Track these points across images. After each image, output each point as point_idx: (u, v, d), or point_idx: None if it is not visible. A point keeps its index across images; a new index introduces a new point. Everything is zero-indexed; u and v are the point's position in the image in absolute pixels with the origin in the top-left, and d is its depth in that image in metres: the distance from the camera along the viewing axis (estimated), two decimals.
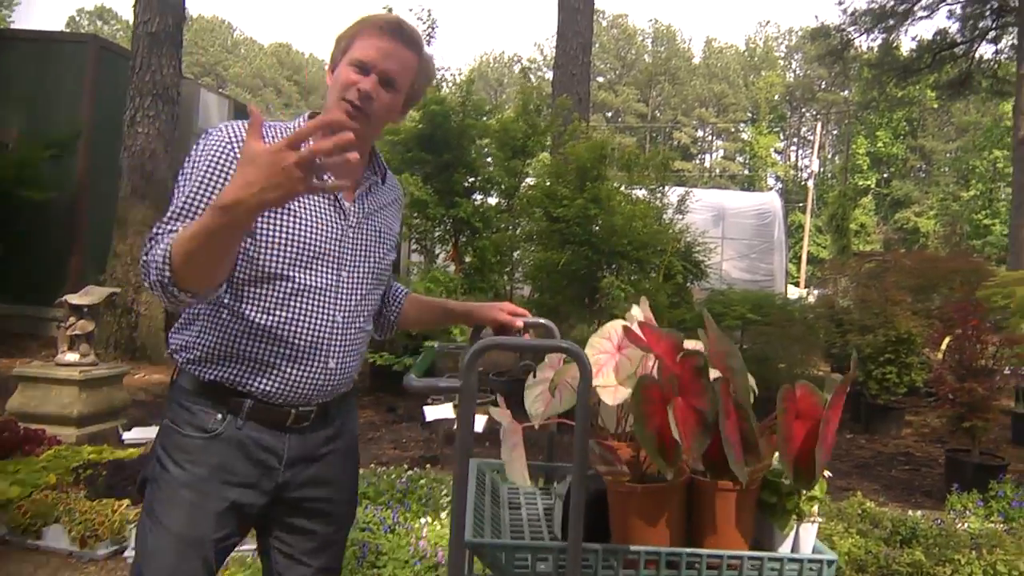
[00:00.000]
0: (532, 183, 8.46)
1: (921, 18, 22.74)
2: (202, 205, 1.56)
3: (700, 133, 57.61)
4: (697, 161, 56.58)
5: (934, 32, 23.33)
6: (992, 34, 22.28)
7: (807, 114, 56.20)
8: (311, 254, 1.66)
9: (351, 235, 1.74)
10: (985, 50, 23.02)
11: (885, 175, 43.76)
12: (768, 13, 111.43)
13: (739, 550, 1.39)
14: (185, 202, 1.57)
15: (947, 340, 6.05)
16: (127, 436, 5.64)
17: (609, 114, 56.51)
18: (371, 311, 1.85)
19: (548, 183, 7.97)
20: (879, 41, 23.78)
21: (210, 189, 1.57)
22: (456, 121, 7.89)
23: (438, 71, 8.25)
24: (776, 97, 55.14)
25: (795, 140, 57.99)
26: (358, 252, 1.75)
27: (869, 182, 42.23)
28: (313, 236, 1.66)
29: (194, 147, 1.65)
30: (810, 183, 31.67)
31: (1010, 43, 21.59)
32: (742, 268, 15.62)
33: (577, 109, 10.53)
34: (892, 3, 22.46)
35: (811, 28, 27.30)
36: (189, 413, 1.66)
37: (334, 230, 1.69)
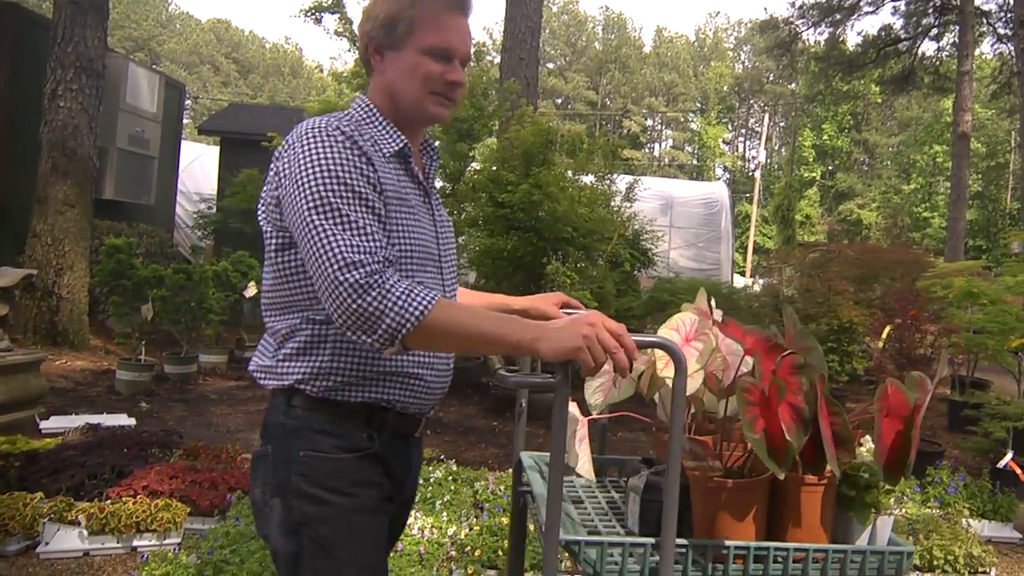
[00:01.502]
0: (477, 168, 8.29)
1: (867, 13, 23.18)
2: (377, 232, 1.43)
3: (650, 122, 57.81)
4: (647, 150, 56.84)
5: (879, 28, 23.82)
6: (934, 31, 22.78)
7: (755, 105, 56.91)
8: (424, 254, 1.57)
9: (440, 231, 1.67)
10: (928, 47, 23.60)
11: (830, 167, 44.58)
12: (718, 4, 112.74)
13: (822, 543, 1.42)
14: (365, 232, 1.41)
15: (887, 329, 6.08)
16: (45, 425, 5.40)
17: (559, 100, 56.34)
18: None
19: (493, 168, 7.81)
20: (826, 35, 24.16)
21: (370, 211, 1.45)
22: None
23: None
24: (725, 88, 55.72)
25: (743, 131, 58.74)
26: (444, 247, 1.68)
27: (814, 174, 42.96)
28: (425, 235, 1.58)
29: (306, 149, 1.46)
30: (757, 174, 32.08)
31: (951, 41, 22.11)
32: (689, 257, 15.73)
33: (525, 94, 10.38)
34: None
35: (760, 20, 27.69)
36: (335, 437, 1.51)
37: (430, 228, 1.62)
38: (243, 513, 3.57)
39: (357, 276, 1.35)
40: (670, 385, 1.42)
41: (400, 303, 1.34)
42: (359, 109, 1.60)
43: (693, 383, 1.45)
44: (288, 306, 1.54)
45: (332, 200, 1.41)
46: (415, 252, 1.54)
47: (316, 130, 1.47)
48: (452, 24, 1.56)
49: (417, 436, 1.68)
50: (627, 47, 60.33)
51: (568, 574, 1.76)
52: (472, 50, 1.65)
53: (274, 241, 1.55)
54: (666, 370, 1.46)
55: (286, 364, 1.53)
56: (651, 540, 1.37)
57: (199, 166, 14.33)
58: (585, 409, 1.57)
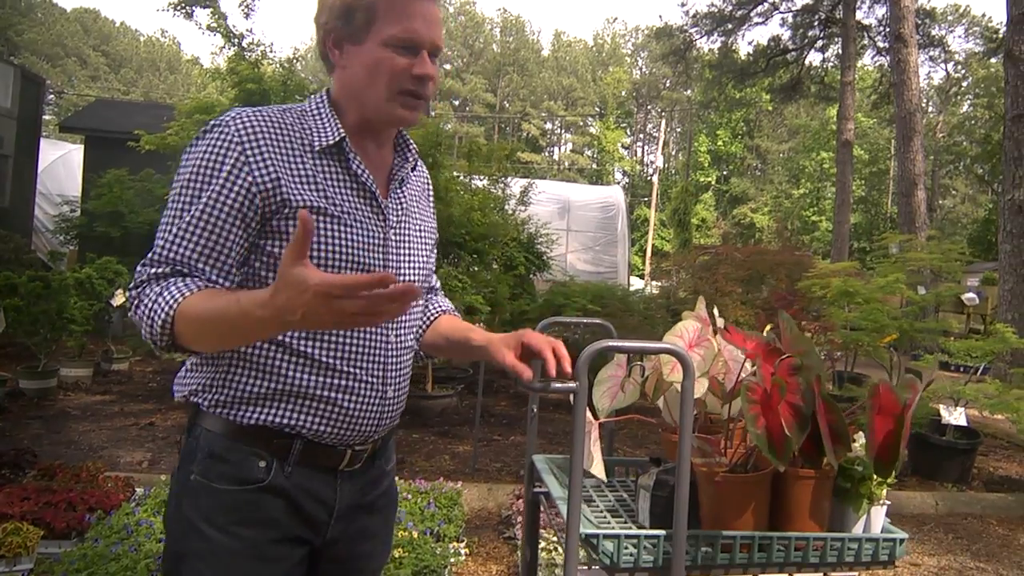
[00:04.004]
0: None
1: (757, 24, 24.09)
2: (198, 235, 1.31)
3: (549, 125, 58.36)
4: (546, 153, 57.32)
5: (769, 38, 24.77)
6: (820, 43, 23.89)
7: (652, 111, 58.32)
8: (355, 266, 1.38)
9: (393, 239, 1.47)
10: (814, 58, 24.76)
11: (724, 172, 46.09)
12: (615, 10, 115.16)
13: (820, 532, 1.54)
14: (178, 232, 1.31)
15: (768, 328, 6.15)
16: None
17: (456, 102, 56.14)
18: (417, 326, 1.61)
19: None
20: (718, 44, 25.02)
21: (209, 212, 1.31)
22: (277, 102, 7.31)
23: (260, 47, 7.59)
24: (623, 93, 56.82)
25: (641, 136, 60.03)
26: (402, 258, 1.50)
27: (710, 179, 44.35)
28: (356, 243, 1.39)
29: (188, 148, 1.37)
30: (655, 178, 32.73)
31: (836, 52, 23.17)
32: (586, 260, 15.82)
33: None
34: (730, 8, 23.59)
35: (656, 28, 28.32)
36: (225, 463, 1.37)
37: (375, 235, 1.43)
38: (102, 534, 3.38)
39: (131, 291, 1.31)
40: (676, 389, 1.54)
41: (147, 315, 1.26)
42: (312, 102, 1.46)
43: (698, 387, 1.55)
44: None
45: (169, 201, 1.35)
46: (338, 259, 1.36)
47: (209, 123, 1.37)
48: (416, 9, 1.38)
49: (350, 471, 1.48)
50: (525, 50, 60.75)
51: (584, 567, 1.89)
52: (442, 40, 1.45)
53: None
54: (672, 375, 1.56)
55: (190, 374, 1.44)
56: (664, 532, 1.48)
57: (62, 166, 13.48)
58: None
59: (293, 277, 1.05)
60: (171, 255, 1.29)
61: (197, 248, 1.30)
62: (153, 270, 1.29)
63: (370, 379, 1.43)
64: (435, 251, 1.68)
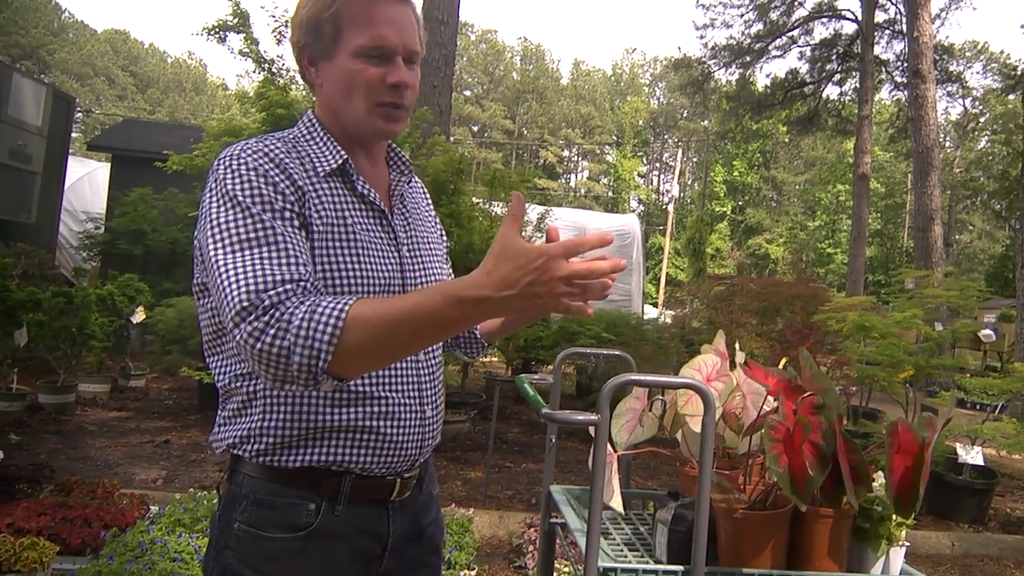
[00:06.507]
0: None
1: (775, 57, 24.23)
2: (294, 255, 1.22)
3: (566, 153, 58.69)
4: (563, 180, 57.59)
5: (786, 71, 24.92)
6: (837, 77, 23.98)
7: (669, 140, 58.50)
8: (378, 287, 1.35)
9: (407, 255, 1.45)
10: (831, 91, 24.80)
11: (740, 203, 46.12)
12: (635, 41, 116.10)
13: (839, 572, 1.52)
14: (279, 257, 1.20)
15: (784, 361, 6.15)
16: None
17: (475, 128, 56.58)
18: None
19: None
20: (736, 76, 25.13)
21: (288, 232, 1.24)
22: None
23: (289, 72, 7.74)
24: (640, 122, 57.09)
25: (657, 165, 60.20)
26: (417, 274, 1.46)
27: (725, 208, 44.38)
28: (376, 266, 1.36)
29: (210, 191, 1.28)
30: (670, 207, 32.81)
31: (853, 86, 23.25)
32: None
33: (438, 122, 10.26)
34: (749, 41, 23.75)
35: (675, 59, 28.54)
36: (273, 511, 1.32)
37: (390, 254, 1.40)
38: (117, 551, 3.35)
39: (255, 321, 1.13)
40: (690, 423, 1.56)
41: (303, 332, 1.10)
42: (301, 126, 1.42)
43: None
44: (219, 353, 1.39)
45: (232, 229, 1.22)
46: (358, 283, 1.32)
47: (226, 157, 1.29)
48: (384, 15, 1.33)
49: (400, 501, 1.44)
50: (545, 78, 61.22)
51: None
52: (420, 44, 1.40)
53: (196, 282, 1.39)
54: (686, 408, 1.57)
55: (224, 427, 1.38)
56: (682, 568, 1.47)
57: (87, 183, 13.60)
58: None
59: (516, 248, 1.04)
60: (279, 277, 1.17)
61: (301, 269, 1.21)
62: (275, 289, 1.15)
63: (407, 401, 1.39)
64: (448, 261, 1.65)
